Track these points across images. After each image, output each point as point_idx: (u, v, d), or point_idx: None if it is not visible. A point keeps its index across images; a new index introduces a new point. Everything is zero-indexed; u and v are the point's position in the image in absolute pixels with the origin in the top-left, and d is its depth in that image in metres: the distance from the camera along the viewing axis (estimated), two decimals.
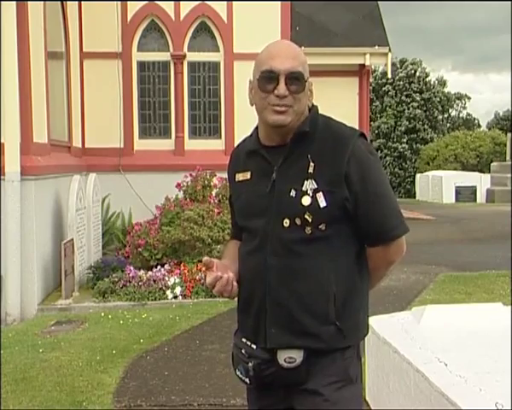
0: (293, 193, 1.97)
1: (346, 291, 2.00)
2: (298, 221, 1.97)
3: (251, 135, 2.16)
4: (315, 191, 1.96)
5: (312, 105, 2.09)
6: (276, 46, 2.04)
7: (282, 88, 1.95)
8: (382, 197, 2.02)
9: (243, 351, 2.07)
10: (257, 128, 2.12)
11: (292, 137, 2.01)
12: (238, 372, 2.10)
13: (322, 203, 1.95)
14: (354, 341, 2.07)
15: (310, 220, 1.95)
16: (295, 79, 1.96)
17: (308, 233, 1.97)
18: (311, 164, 1.98)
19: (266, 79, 1.97)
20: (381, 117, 32.11)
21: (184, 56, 10.21)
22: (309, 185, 1.96)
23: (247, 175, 2.11)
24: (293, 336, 1.98)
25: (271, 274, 2.00)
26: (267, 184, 2.02)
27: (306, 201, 1.96)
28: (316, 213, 1.95)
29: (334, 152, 1.98)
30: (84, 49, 9.99)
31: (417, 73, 33.05)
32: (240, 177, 2.14)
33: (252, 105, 2.08)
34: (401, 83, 32.46)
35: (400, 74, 32.52)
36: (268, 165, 2.04)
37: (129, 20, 10.10)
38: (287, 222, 1.98)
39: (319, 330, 1.97)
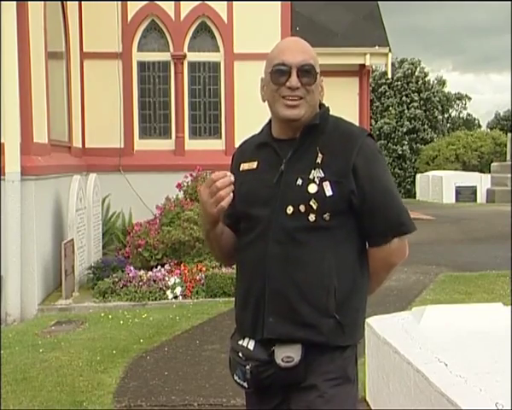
0: (299, 181, 1.98)
1: (347, 286, 1.99)
2: (302, 208, 1.96)
3: (261, 131, 2.18)
4: (322, 180, 1.97)
5: (323, 104, 2.12)
6: (286, 42, 2.12)
7: (294, 80, 1.98)
8: (390, 194, 2.04)
9: (240, 354, 2.05)
10: (269, 123, 2.14)
11: (302, 129, 2.03)
12: (236, 377, 2.08)
13: (329, 192, 1.95)
14: (353, 339, 2.06)
15: (315, 207, 1.95)
16: (306, 72, 2.00)
17: (312, 221, 1.96)
18: (320, 155, 2.00)
19: (278, 72, 2.00)
20: (381, 117, 32.07)
21: (184, 56, 10.22)
22: (316, 174, 1.98)
23: (254, 165, 2.11)
24: (292, 327, 1.96)
25: (272, 262, 1.99)
26: (274, 175, 2.02)
27: (313, 188, 1.96)
28: (321, 201, 1.95)
29: (342, 146, 2.00)
30: (85, 50, 10.00)
31: (416, 73, 33.00)
32: (245, 166, 2.14)
33: (264, 101, 2.11)
34: (399, 83, 32.42)
35: (398, 74, 32.47)
36: (277, 157, 2.05)
37: (129, 20, 10.10)
38: (290, 209, 1.97)
39: (318, 322, 1.96)
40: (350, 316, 2.01)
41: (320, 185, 1.96)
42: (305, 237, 1.97)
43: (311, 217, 1.96)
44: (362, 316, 2.09)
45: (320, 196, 1.95)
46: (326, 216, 1.96)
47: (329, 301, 1.96)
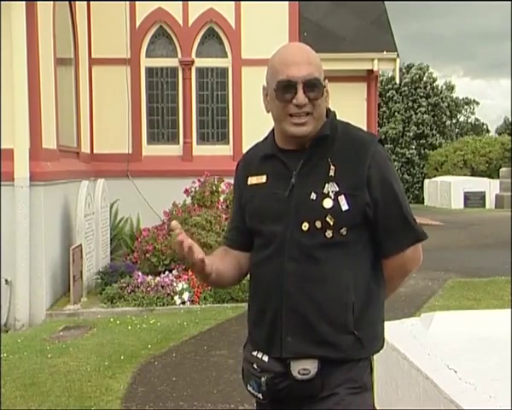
0: (313, 196, 1.92)
1: (364, 300, 1.95)
2: (318, 224, 1.90)
3: (265, 139, 2.11)
4: (336, 194, 1.91)
5: (330, 110, 2.04)
6: (289, 51, 1.98)
7: (300, 97, 1.90)
8: (403, 204, 2.00)
9: (255, 365, 1.99)
10: (273, 131, 2.07)
11: (312, 141, 1.96)
12: (250, 388, 2.01)
13: (345, 206, 1.90)
14: (372, 351, 2.03)
15: (331, 223, 1.90)
16: (313, 86, 1.91)
17: (328, 237, 1.91)
18: (332, 167, 1.93)
19: (284, 89, 1.91)
20: (388, 122, 32.02)
21: (192, 62, 10.24)
22: (330, 188, 1.91)
23: (262, 178, 2.03)
24: (311, 345, 1.92)
25: (289, 280, 1.93)
26: (285, 189, 1.95)
27: (328, 203, 1.90)
28: (338, 216, 1.90)
29: (354, 156, 1.95)
30: (93, 56, 10.04)
31: (424, 78, 32.93)
32: (253, 180, 2.06)
33: (268, 112, 2.02)
34: (406, 88, 32.36)
35: (405, 80, 32.40)
36: (286, 169, 1.98)
37: (137, 26, 10.14)
38: (306, 226, 1.91)
39: (338, 339, 1.92)
40: (368, 329, 1.97)
41: (335, 200, 1.90)
42: (322, 254, 1.92)
43: (328, 233, 1.91)
44: (381, 327, 2.05)
45: (336, 211, 1.89)
46: (343, 231, 1.91)
47: (348, 317, 1.92)
